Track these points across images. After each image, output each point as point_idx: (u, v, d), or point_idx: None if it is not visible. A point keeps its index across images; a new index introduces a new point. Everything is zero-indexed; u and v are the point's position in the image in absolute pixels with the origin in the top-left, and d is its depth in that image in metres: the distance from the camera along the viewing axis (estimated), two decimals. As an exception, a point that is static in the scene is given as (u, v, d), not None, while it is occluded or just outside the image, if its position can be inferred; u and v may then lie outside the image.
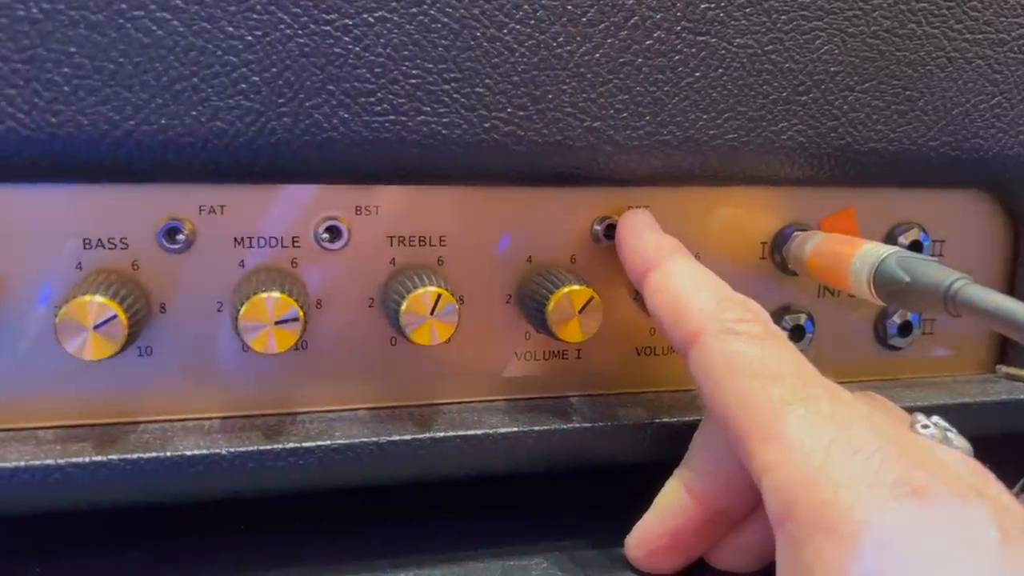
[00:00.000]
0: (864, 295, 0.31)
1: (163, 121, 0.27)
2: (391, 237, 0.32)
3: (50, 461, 0.28)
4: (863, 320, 0.38)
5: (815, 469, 0.22)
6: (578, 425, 0.33)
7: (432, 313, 0.29)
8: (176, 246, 0.30)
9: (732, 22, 0.31)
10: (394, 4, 0.28)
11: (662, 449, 0.32)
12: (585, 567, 0.31)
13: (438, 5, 0.29)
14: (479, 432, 0.32)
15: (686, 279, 0.29)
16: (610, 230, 0.33)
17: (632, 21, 0.30)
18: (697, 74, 0.32)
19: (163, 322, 0.30)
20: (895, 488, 0.21)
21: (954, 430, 0.26)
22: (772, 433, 0.24)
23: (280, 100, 0.28)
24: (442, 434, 0.31)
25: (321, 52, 0.28)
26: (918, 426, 0.26)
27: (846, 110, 0.34)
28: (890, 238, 0.37)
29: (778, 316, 0.36)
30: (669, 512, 0.29)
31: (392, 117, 0.29)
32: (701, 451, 0.29)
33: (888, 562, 0.20)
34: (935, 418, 0.26)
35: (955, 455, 0.24)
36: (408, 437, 0.31)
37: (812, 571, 0.21)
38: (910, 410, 0.28)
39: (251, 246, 0.31)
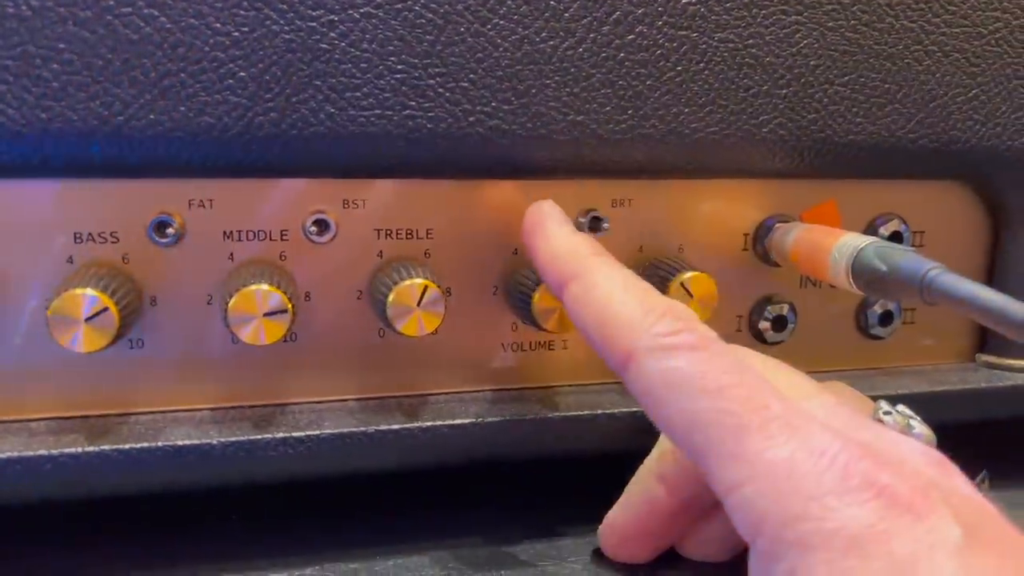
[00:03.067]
0: (843, 285, 0.31)
1: (152, 116, 0.28)
2: (378, 230, 0.32)
3: (43, 452, 0.28)
4: (845, 310, 0.39)
5: (779, 482, 0.22)
6: (563, 415, 0.33)
7: (419, 304, 0.30)
8: (166, 240, 0.30)
9: (713, 16, 0.32)
10: (379, 0, 0.29)
11: (645, 439, 0.33)
12: (567, 555, 0.31)
13: (423, 1, 0.29)
14: (466, 422, 0.32)
15: (607, 290, 0.27)
16: (595, 222, 0.34)
17: (614, 16, 0.31)
18: (679, 68, 0.32)
19: (154, 315, 0.31)
20: (860, 493, 0.21)
21: (917, 418, 0.27)
22: (729, 451, 0.23)
23: (267, 95, 0.28)
24: (430, 424, 0.32)
25: (307, 47, 0.28)
26: (880, 413, 0.26)
27: (826, 103, 0.34)
28: (871, 229, 0.37)
29: (760, 306, 0.37)
30: (640, 501, 0.29)
31: (378, 111, 0.29)
32: (670, 442, 0.29)
33: (858, 569, 0.20)
34: (900, 406, 0.26)
35: (916, 447, 0.24)
36: (396, 427, 0.31)
37: None
38: (890, 399, 0.28)
39: (240, 240, 0.31)
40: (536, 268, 0.30)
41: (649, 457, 0.30)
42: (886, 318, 0.39)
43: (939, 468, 0.23)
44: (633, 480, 0.30)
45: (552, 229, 0.30)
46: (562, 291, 0.28)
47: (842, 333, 0.39)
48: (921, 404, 0.34)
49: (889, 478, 0.21)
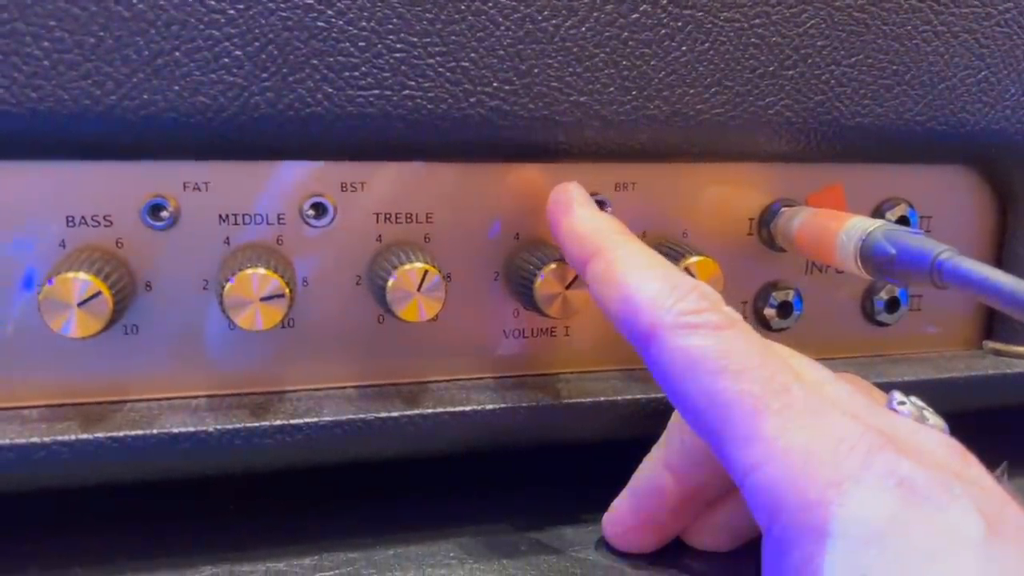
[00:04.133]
0: (851, 269, 0.31)
1: (145, 96, 0.27)
2: (377, 214, 0.32)
3: (36, 439, 0.28)
4: (851, 296, 0.38)
5: (798, 467, 0.21)
6: (565, 402, 0.33)
7: (419, 289, 0.29)
8: (160, 223, 0.29)
9: (718, -4, 0.31)
10: (378, -23, 0.28)
11: (648, 426, 0.32)
12: (570, 544, 0.31)
13: (422, -22, 0.28)
14: (467, 409, 0.32)
15: (631, 267, 0.27)
16: (598, 206, 0.33)
17: (618, -5, 0.30)
18: (684, 48, 0.31)
19: (148, 300, 0.30)
20: (881, 481, 0.20)
21: (930, 408, 0.26)
22: (748, 433, 0.22)
23: (263, 74, 0.28)
24: (430, 411, 0.31)
25: (304, 25, 0.28)
26: (894, 403, 0.26)
27: (833, 84, 0.33)
28: (877, 214, 0.37)
29: (766, 292, 0.36)
30: (645, 491, 0.29)
31: (376, 92, 0.29)
32: (678, 431, 0.29)
33: (877, 559, 0.20)
34: (912, 397, 0.26)
35: (935, 436, 0.24)
36: (396, 414, 0.31)
37: (801, 574, 0.21)
38: (896, 386, 0.28)
39: (236, 223, 0.30)
40: (560, 246, 0.30)
41: (655, 446, 0.30)
42: (892, 305, 0.38)
43: (961, 459, 0.23)
44: (639, 469, 0.30)
45: (577, 209, 0.30)
46: (584, 267, 0.28)
47: (848, 320, 0.38)
48: (928, 391, 0.34)
49: (910, 468, 0.21)
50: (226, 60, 0.27)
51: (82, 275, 0.27)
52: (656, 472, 0.29)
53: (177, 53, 0.27)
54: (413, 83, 0.29)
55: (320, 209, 0.31)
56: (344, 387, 0.33)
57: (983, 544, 0.19)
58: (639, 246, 0.28)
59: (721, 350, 0.24)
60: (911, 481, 0.20)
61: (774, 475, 0.22)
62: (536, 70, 0.30)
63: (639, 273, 0.27)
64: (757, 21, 0.32)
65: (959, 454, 0.23)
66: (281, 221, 0.31)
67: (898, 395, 0.26)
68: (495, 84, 0.30)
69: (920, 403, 0.26)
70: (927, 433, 0.24)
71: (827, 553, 0.20)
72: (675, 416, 0.29)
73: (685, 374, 0.24)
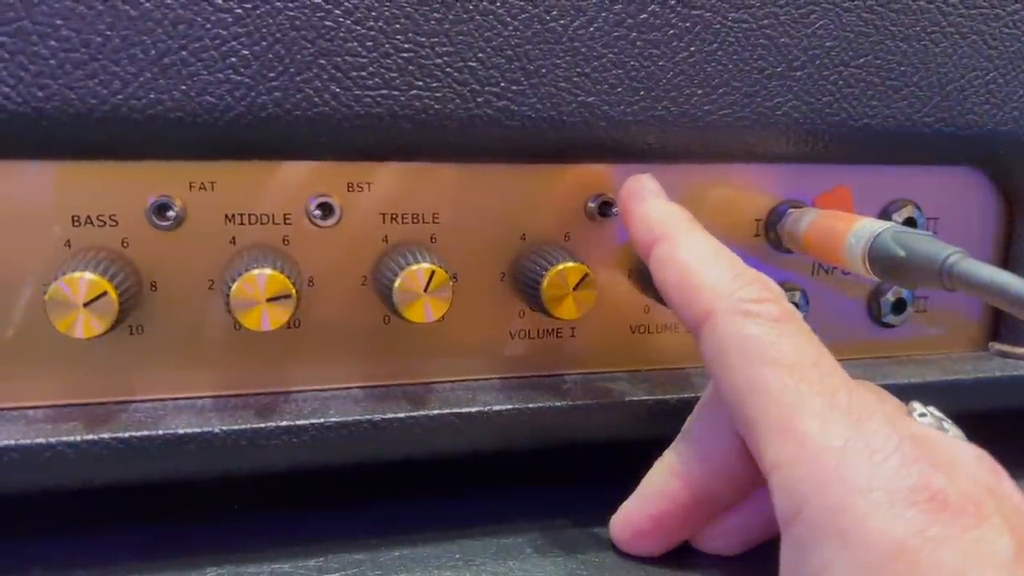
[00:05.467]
0: (859, 271, 0.30)
1: (152, 96, 0.27)
2: (384, 214, 0.32)
3: (41, 440, 0.28)
4: (857, 298, 0.38)
5: (830, 470, 0.21)
6: (571, 403, 0.32)
7: (426, 290, 0.29)
8: (166, 223, 0.29)
9: (727, -4, 0.31)
10: (386, -23, 0.28)
11: (655, 427, 0.32)
12: (576, 546, 0.31)
13: (430, -22, 0.28)
14: (473, 410, 0.31)
15: (697, 252, 0.27)
16: (604, 207, 0.33)
17: (626, -5, 0.30)
18: (692, 48, 0.31)
19: (154, 300, 0.30)
20: (912, 495, 0.20)
21: (949, 420, 0.26)
22: (785, 426, 0.22)
23: (270, 74, 0.28)
24: (436, 412, 0.31)
25: (312, 25, 0.28)
26: (915, 415, 0.25)
27: (841, 85, 0.33)
28: (884, 215, 0.37)
29: (772, 294, 0.36)
30: (655, 496, 0.29)
31: (384, 91, 0.29)
32: (693, 436, 0.29)
33: (901, 575, 0.19)
34: (930, 407, 0.26)
35: (967, 450, 0.23)
36: (402, 415, 0.31)
37: None
38: (903, 388, 0.27)
39: (242, 223, 0.30)
40: (628, 231, 0.30)
41: (667, 451, 0.29)
42: (899, 306, 0.38)
43: (993, 473, 0.23)
44: (650, 473, 0.29)
45: (650, 197, 0.30)
46: (649, 251, 0.29)
47: (854, 321, 0.38)
48: (933, 393, 0.34)
49: (943, 482, 0.20)
50: (233, 59, 0.27)
51: (88, 275, 0.27)
52: (667, 477, 0.29)
53: (184, 52, 0.27)
54: (420, 83, 0.29)
55: (327, 209, 0.31)
56: (350, 388, 0.32)
57: (1011, 564, 0.19)
58: (706, 235, 0.28)
59: (776, 342, 0.24)
60: (943, 496, 0.20)
61: (801, 474, 0.21)
62: (544, 70, 0.30)
63: (703, 258, 0.27)
64: (765, 22, 0.32)
65: (991, 468, 0.23)
66: (287, 221, 0.31)
67: (919, 406, 0.26)
68: (502, 84, 0.30)
69: (939, 413, 0.26)
70: (961, 447, 0.23)
71: (847, 563, 0.20)
72: (690, 422, 0.29)
73: (735, 360, 0.24)
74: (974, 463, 0.23)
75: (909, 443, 0.21)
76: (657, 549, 0.29)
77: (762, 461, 0.23)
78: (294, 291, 0.28)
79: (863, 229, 0.30)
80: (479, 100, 0.30)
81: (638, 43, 0.31)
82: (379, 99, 0.29)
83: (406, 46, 0.29)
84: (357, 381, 0.33)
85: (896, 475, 0.20)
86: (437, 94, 0.29)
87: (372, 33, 0.28)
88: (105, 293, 0.27)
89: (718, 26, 0.31)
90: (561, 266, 0.31)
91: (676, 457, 0.29)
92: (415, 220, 0.32)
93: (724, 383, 0.25)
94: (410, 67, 0.29)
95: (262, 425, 0.29)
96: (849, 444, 0.21)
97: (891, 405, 0.27)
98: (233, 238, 0.30)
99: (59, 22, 0.26)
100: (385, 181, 0.31)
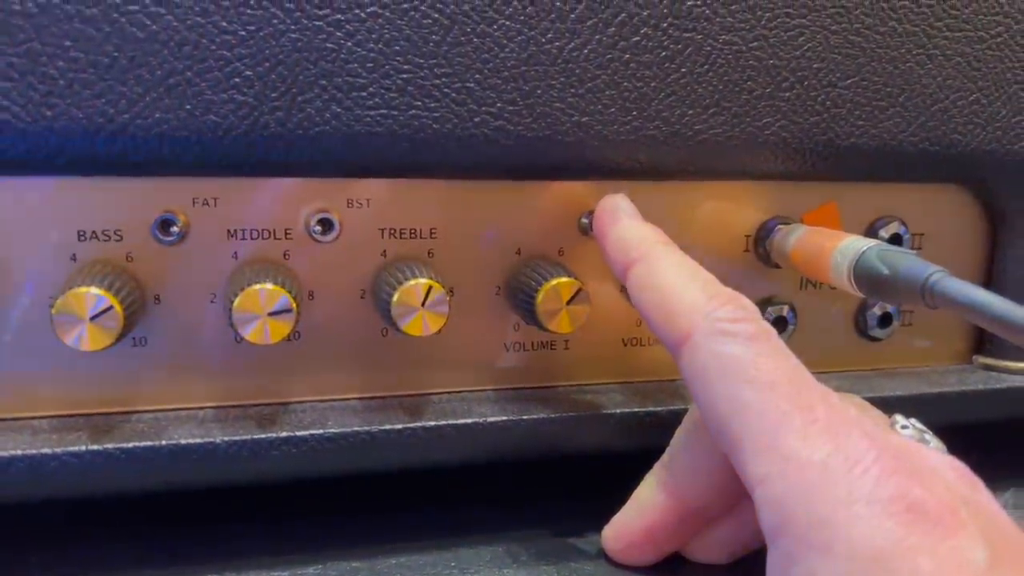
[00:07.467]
0: (844, 287, 0.31)
1: (157, 115, 0.28)
2: (382, 230, 0.32)
3: (46, 450, 0.28)
4: (844, 311, 0.39)
5: (812, 484, 0.22)
6: (565, 414, 0.33)
7: (423, 304, 0.30)
8: (170, 238, 0.30)
9: (717, 19, 0.32)
10: (386, 0, 0.29)
11: (647, 438, 0.33)
12: (569, 556, 0.31)
13: (429, 1, 0.29)
14: (468, 421, 0.32)
15: (673, 273, 0.28)
16: (597, 223, 0.34)
17: (620, 18, 0.31)
18: (683, 70, 0.32)
19: (157, 313, 0.31)
20: (891, 505, 0.21)
21: (930, 432, 0.27)
22: (767, 443, 0.23)
23: (273, 94, 0.28)
24: (432, 423, 0.32)
25: (314, 47, 0.28)
26: (897, 427, 0.26)
27: (828, 106, 0.34)
28: (871, 231, 0.38)
29: (761, 307, 0.36)
30: (646, 508, 0.29)
31: (384, 111, 0.29)
32: (681, 450, 0.29)
33: None
34: (912, 419, 0.26)
35: (946, 462, 0.24)
36: (399, 426, 0.31)
37: None
38: (888, 400, 0.28)
39: (244, 238, 0.31)
40: (604, 252, 0.31)
41: (658, 463, 0.30)
42: (885, 320, 0.39)
43: (969, 484, 0.23)
44: (640, 485, 0.30)
45: (624, 218, 0.31)
46: (627, 273, 0.29)
47: (841, 335, 0.39)
48: (919, 406, 0.35)
49: (921, 492, 0.21)
50: (237, 80, 0.28)
51: (94, 289, 0.27)
52: (657, 489, 0.29)
53: (189, 73, 0.28)
54: (419, 103, 0.30)
55: (326, 224, 0.31)
56: (348, 399, 0.33)
57: (985, 573, 0.20)
58: (682, 256, 0.29)
59: (753, 360, 0.24)
60: (921, 506, 0.21)
61: (787, 488, 0.22)
62: (539, 91, 0.31)
63: (680, 280, 0.28)
64: (755, 44, 0.33)
65: (967, 479, 0.24)
66: (288, 236, 0.31)
67: (901, 419, 0.26)
68: (499, 104, 0.30)
69: (920, 426, 0.26)
70: (939, 458, 0.24)
71: (830, 573, 0.20)
72: (678, 436, 0.30)
73: (715, 379, 0.25)
74: (951, 474, 0.23)
75: (888, 455, 0.22)
76: (648, 559, 0.30)
77: (746, 477, 0.23)
78: (295, 304, 0.29)
79: (848, 247, 0.31)
80: (476, 120, 0.30)
81: (631, 65, 0.31)
82: (379, 118, 0.29)
83: (405, 67, 0.29)
84: (355, 392, 0.33)
85: (876, 486, 0.21)
86: (435, 114, 0.30)
87: (372, 55, 0.29)
88: (111, 307, 0.27)
89: (709, 48, 0.32)
90: (555, 281, 0.31)
91: (665, 471, 0.29)
92: (413, 235, 0.33)
93: (705, 402, 0.25)
94: (409, 88, 0.29)
95: (262, 435, 0.30)
96: (830, 458, 0.22)
97: (873, 417, 0.27)
98: (235, 253, 0.31)
99: (68, 43, 0.27)
100: (384, 197, 0.32)
